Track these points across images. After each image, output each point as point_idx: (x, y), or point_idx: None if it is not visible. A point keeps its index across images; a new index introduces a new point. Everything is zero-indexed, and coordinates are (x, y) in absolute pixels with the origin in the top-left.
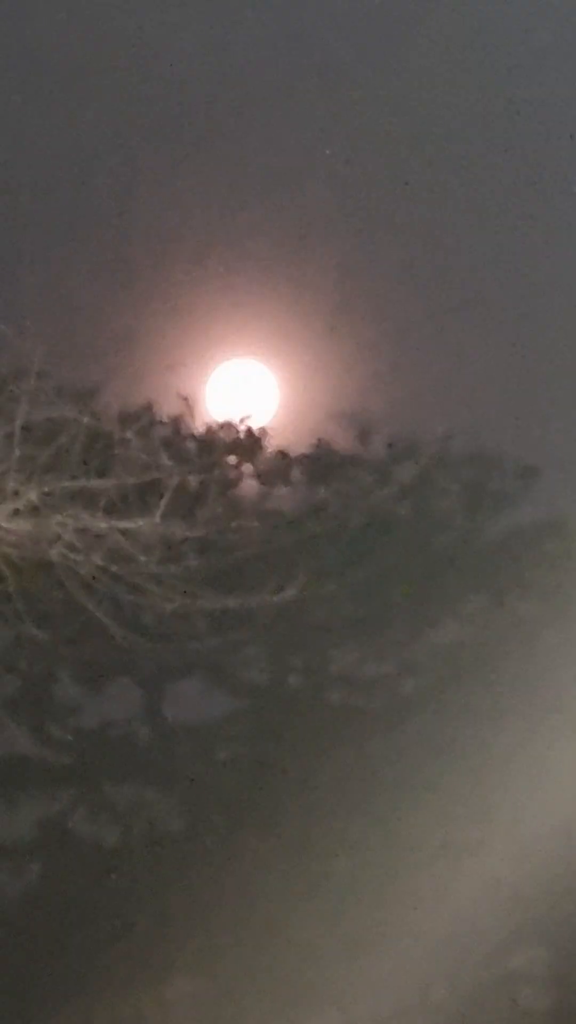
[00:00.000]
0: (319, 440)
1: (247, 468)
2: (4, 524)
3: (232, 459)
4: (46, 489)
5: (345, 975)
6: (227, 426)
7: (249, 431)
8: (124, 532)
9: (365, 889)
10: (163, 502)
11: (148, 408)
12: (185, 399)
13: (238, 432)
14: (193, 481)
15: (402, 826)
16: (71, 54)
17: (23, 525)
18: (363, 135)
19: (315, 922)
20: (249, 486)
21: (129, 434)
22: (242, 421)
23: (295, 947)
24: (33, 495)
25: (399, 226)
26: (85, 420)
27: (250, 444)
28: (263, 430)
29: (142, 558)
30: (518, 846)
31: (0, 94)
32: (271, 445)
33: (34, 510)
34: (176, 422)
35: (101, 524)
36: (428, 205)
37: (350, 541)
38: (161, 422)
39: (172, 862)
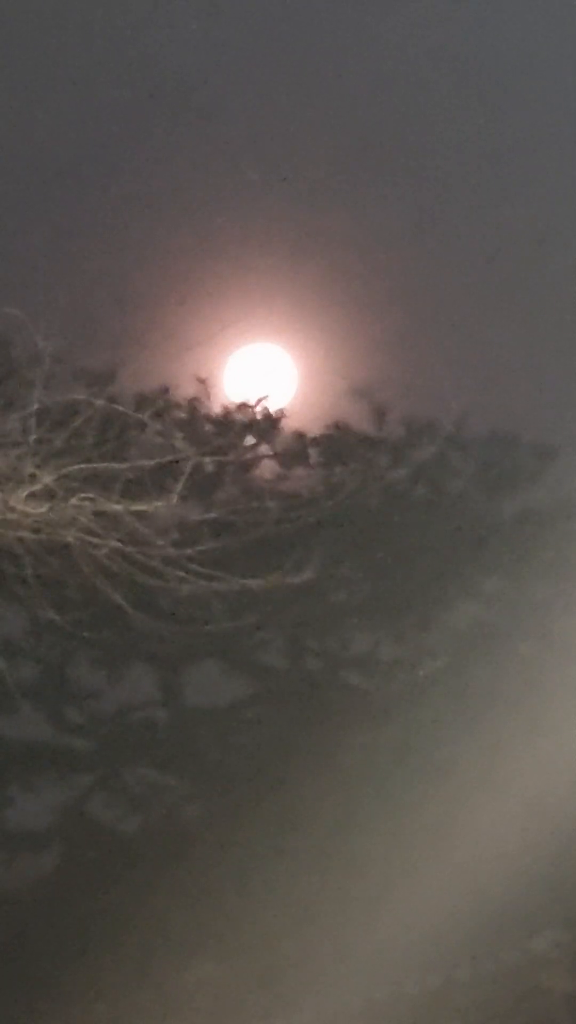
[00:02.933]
0: (336, 421)
1: (264, 449)
2: (20, 507)
3: (249, 440)
4: (62, 472)
5: (369, 957)
6: (244, 407)
7: (266, 412)
8: (140, 515)
9: (385, 871)
10: (179, 484)
11: (164, 391)
12: (202, 381)
13: (255, 413)
14: (209, 463)
15: (421, 809)
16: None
17: (39, 508)
18: (376, 118)
19: (336, 905)
20: (266, 467)
21: (145, 417)
22: (259, 402)
23: (316, 931)
24: (49, 478)
25: (416, 207)
26: (100, 403)
27: (267, 425)
28: (280, 411)
29: (158, 541)
30: (542, 827)
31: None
32: (288, 426)
33: (50, 493)
34: (192, 404)
35: (117, 507)
36: (445, 185)
37: (367, 522)
38: (177, 404)
39: (189, 846)
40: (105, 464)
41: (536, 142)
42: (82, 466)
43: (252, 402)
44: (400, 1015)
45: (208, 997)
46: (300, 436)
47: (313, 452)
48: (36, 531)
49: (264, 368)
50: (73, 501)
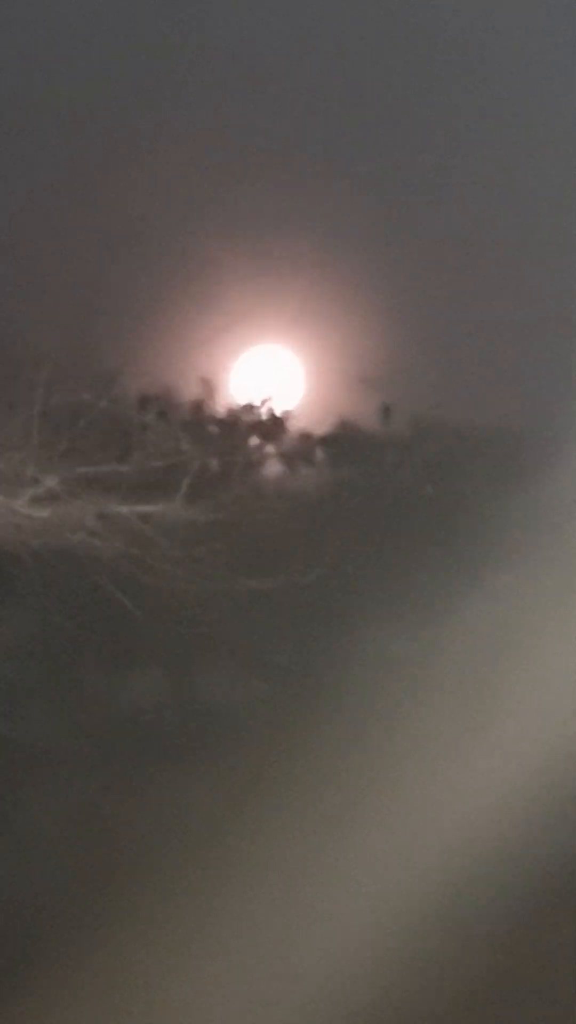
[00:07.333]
0: (342, 420)
1: (270, 450)
2: (25, 511)
3: (255, 441)
4: (66, 475)
5: (368, 961)
6: (249, 408)
7: (271, 413)
8: (145, 517)
9: (391, 872)
10: (184, 486)
11: (168, 392)
12: (206, 382)
13: (260, 414)
14: (215, 464)
15: (428, 807)
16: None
17: (44, 512)
18: (379, 124)
19: (342, 909)
20: (272, 468)
21: (149, 418)
22: (263, 403)
23: (322, 937)
24: (53, 482)
25: (423, 207)
26: (104, 405)
27: (272, 426)
28: (285, 412)
29: (164, 542)
30: (547, 827)
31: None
32: (294, 426)
33: (54, 497)
34: (197, 405)
35: (122, 509)
36: (451, 184)
37: (374, 521)
38: (181, 406)
39: (202, 848)
40: (109, 466)
41: (541, 145)
42: (86, 469)
43: (257, 403)
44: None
45: (210, 1000)
46: (306, 436)
47: (319, 452)
48: (41, 535)
49: (269, 368)
50: (78, 504)
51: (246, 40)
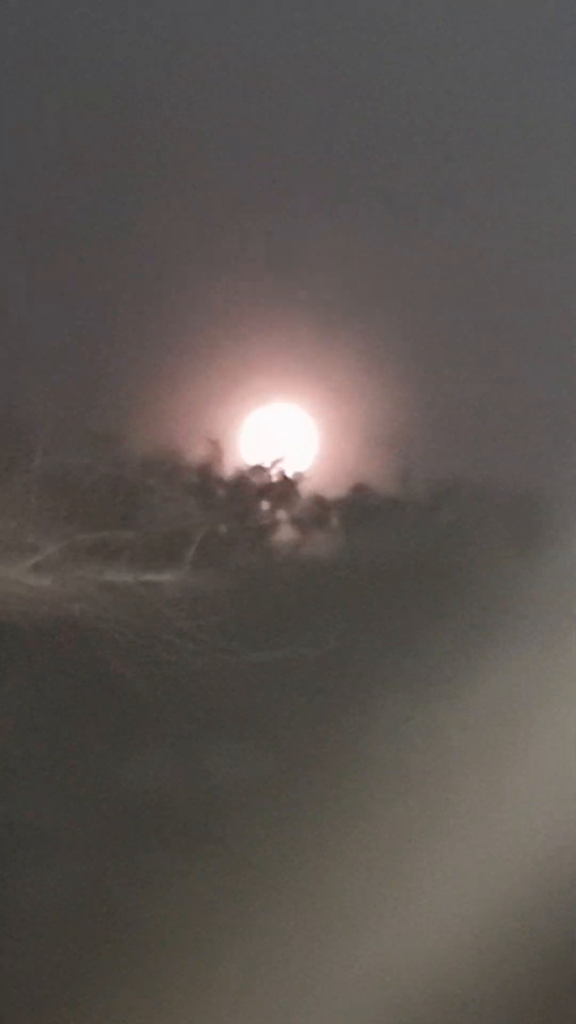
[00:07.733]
0: (357, 483)
1: (281, 514)
2: (24, 580)
3: (265, 505)
4: (67, 542)
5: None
6: (258, 471)
7: (282, 475)
8: (150, 585)
9: (408, 948)
10: (191, 552)
11: (173, 453)
12: (214, 443)
13: (270, 477)
14: (223, 529)
15: (450, 885)
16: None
17: (43, 581)
18: (402, 173)
19: (353, 988)
20: (283, 533)
21: (154, 481)
22: (274, 465)
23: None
24: (53, 549)
25: (440, 263)
26: (106, 468)
27: (283, 489)
28: (298, 474)
29: (170, 612)
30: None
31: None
32: (306, 490)
33: (55, 565)
34: (204, 468)
35: (126, 578)
36: (468, 237)
37: (390, 588)
38: (188, 468)
39: (206, 931)
40: (112, 533)
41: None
42: (88, 535)
43: (268, 465)
44: None
45: None
46: (319, 500)
47: (333, 516)
48: (41, 604)
49: (280, 428)
50: (79, 572)
51: (243, 83)
